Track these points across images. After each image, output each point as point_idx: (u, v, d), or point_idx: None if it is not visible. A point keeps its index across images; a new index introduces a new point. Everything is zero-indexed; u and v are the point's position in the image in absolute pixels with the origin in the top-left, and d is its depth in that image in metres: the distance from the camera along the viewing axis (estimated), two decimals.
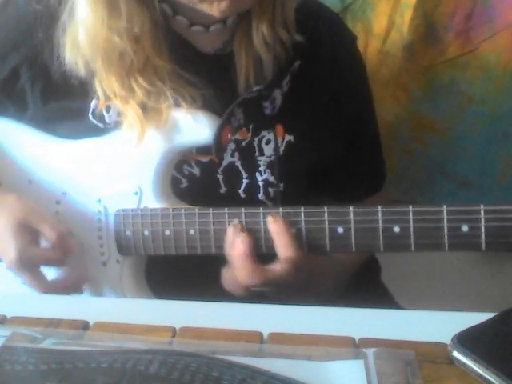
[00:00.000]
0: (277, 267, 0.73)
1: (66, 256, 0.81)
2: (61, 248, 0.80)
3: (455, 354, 0.56)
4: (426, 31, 1.10)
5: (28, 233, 0.79)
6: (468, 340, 0.56)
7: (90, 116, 0.84)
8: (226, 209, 0.75)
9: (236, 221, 0.75)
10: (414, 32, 1.10)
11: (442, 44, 1.10)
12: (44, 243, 0.82)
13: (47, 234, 0.79)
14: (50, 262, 0.81)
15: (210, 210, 0.76)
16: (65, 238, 0.80)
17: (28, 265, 0.78)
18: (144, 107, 0.80)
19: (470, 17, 1.07)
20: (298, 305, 0.68)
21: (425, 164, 1.19)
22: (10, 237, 0.78)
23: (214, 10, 0.75)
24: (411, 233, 0.68)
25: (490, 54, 1.08)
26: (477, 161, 1.15)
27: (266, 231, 0.74)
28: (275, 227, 0.72)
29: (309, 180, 0.88)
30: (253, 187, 0.86)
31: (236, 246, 0.73)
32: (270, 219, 0.73)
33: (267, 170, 0.85)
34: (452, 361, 0.56)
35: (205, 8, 0.76)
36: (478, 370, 0.54)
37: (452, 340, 0.57)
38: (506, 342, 0.57)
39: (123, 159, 0.83)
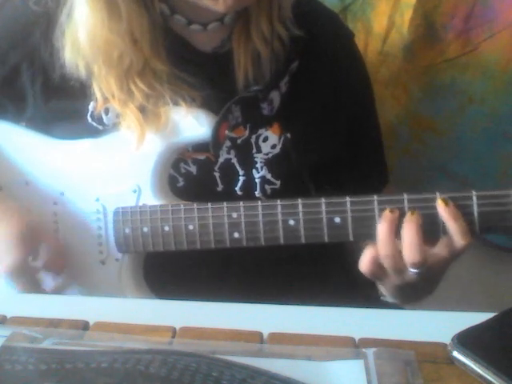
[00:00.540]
0: (441, 252, 0.70)
1: (65, 265, 0.83)
2: (60, 260, 0.82)
3: (455, 353, 0.56)
4: (426, 31, 1.10)
5: (31, 238, 0.79)
6: (468, 340, 0.56)
7: (89, 118, 0.84)
8: (225, 203, 0.76)
9: (235, 215, 0.75)
10: (414, 32, 1.10)
11: (442, 44, 1.10)
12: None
13: (48, 241, 0.81)
14: (51, 267, 0.82)
15: (209, 204, 0.77)
16: (63, 250, 0.82)
17: (28, 270, 0.79)
18: (143, 110, 0.80)
19: (469, 17, 1.07)
20: (297, 305, 0.68)
21: (425, 164, 1.19)
22: (15, 241, 0.78)
23: (220, 6, 0.75)
24: None
25: (490, 54, 1.08)
26: (477, 161, 1.15)
27: (265, 224, 0.75)
28: (449, 212, 0.68)
29: (307, 178, 0.88)
30: (249, 184, 0.86)
31: (408, 221, 0.69)
32: (441, 204, 0.68)
33: (264, 167, 0.85)
34: (452, 361, 0.56)
35: (209, 4, 0.75)
36: (478, 370, 0.54)
37: (452, 340, 0.57)
38: (506, 342, 0.57)
39: (121, 157, 0.83)
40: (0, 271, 0.80)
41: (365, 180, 0.95)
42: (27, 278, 0.79)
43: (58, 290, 0.84)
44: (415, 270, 0.69)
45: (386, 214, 0.70)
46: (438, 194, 0.69)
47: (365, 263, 0.72)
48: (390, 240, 0.70)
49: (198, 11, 0.78)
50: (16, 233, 0.78)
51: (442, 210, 0.68)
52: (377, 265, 0.72)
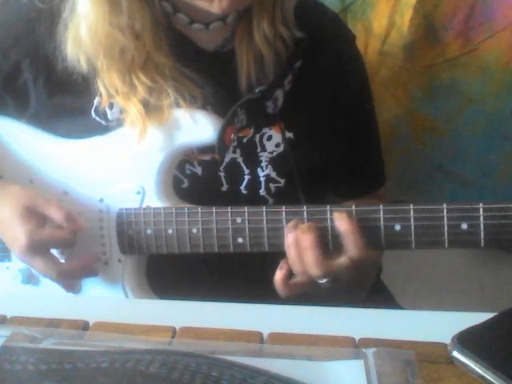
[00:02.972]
0: (342, 261, 0.72)
1: (76, 235, 0.80)
2: (70, 227, 0.79)
3: (455, 353, 0.56)
4: (426, 31, 1.10)
5: (35, 217, 0.78)
6: (468, 340, 0.56)
7: (93, 113, 0.84)
8: (229, 208, 0.76)
9: (239, 220, 0.75)
10: (414, 32, 1.10)
11: (442, 44, 1.10)
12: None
13: (54, 215, 0.79)
14: (60, 243, 0.81)
15: (213, 208, 0.76)
16: (72, 216, 0.79)
17: (39, 248, 0.78)
18: (146, 104, 0.80)
19: (469, 17, 1.07)
20: (297, 305, 0.68)
21: (425, 164, 1.19)
22: (18, 223, 0.77)
23: (215, 7, 0.75)
24: (412, 231, 0.69)
25: (490, 54, 1.08)
26: (477, 161, 1.15)
27: (269, 230, 0.74)
28: (344, 225, 0.70)
29: (310, 176, 0.88)
30: (254, 183, 0.86)
31: (303, 238, 0.71)
32: (336, 216, 0.71)
33: (269, 166, 0.86)
34: (452, 361, 0.56)
35: (204, 5, 0.76)
36: (478, 370, 0.54)
37: (452, 340, 0.57)
38: (506, 342, 0.57)
39: (125, 158, 0.83)
40: (16, 255, 0.80)
41: (359, 181, 0.96)
42: (42, 254, 0.78)
43: (75, 267, 0.82)
44: (323, 281, 0.72)
45: (289, 232, 0.72)
46: (445, 205, 0.68)
47: (280, 286, 0.74)
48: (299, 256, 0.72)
49: (200, 10, 0.78)
50: (20, 212, 0.78)
51: (338, 224, 0.71)
52: (291, 285, 0.74)
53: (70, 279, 0.82)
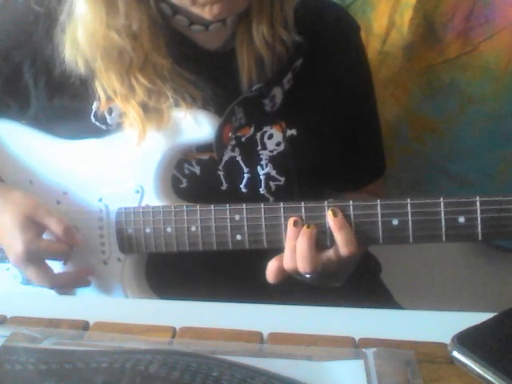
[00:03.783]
0: (331, 256, 0.73)
1: (71, 249, 0.81)
2: (66, 241, 0.80)
3: (455, 353, 0.56)
4: (426, 31, 1.10)
5: (34, 227, 0.79)
6: (468, 340, 0.56)
7: (92, 118, 0.84)
8: (228, 205, 0.76)
9: (237, 217, 0.75)
10: (414, 32, 1.10)
11: (441, 44, 1.10)
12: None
13: (53, 227, 0.80)
14: (55, 255, 0.82)
15: (212, 206, 0.77)
16: (70, 231, 0.81)
17: (34, 258, 0.79)
18: (145, 107, 0.80)
19: (469, 17, 1.07)
20: (297, 305, 0.68)
21: (425, 164, 1.19)
22: (17, 231, 0.78)
23: (206, 13, 0.76)
24: (409, 225, 0.70)
25: (490, 54, 1.08)
26: (477, 161, 1.15)
27: (267, 227, 0.75)
28: (336, 222, 0.72)
29: (310, 173, 0.88)
30: (254, 181, 0.86)
31: (302, 234, 0.73)
32: (330, 214, 0.72)
33: (269, 164, 0.86)
34: (452, 361, 0.56)
35: (197, 11, 0.76)
36: (478, 370, 0.54)
37: (452, 340, 0.57)
38: (506, 342, 0.57)
39: (124, 158, 0.83)
40: (11, 261, 0.80)
41: (360, 175, 0.96)
42: (37, 264, 0.79)
43: (68, 279, 0.84)
44: (308, 275, 0.74)
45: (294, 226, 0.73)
46: (442, 199, 0.68)
47: (271, 275, 0.76)
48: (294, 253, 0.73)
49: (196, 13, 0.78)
50: (20, 220, 0.79)
51: (330, 220, 0.72)
52: (282, 273, 0.75)
53: (63, 288, 0.83)
